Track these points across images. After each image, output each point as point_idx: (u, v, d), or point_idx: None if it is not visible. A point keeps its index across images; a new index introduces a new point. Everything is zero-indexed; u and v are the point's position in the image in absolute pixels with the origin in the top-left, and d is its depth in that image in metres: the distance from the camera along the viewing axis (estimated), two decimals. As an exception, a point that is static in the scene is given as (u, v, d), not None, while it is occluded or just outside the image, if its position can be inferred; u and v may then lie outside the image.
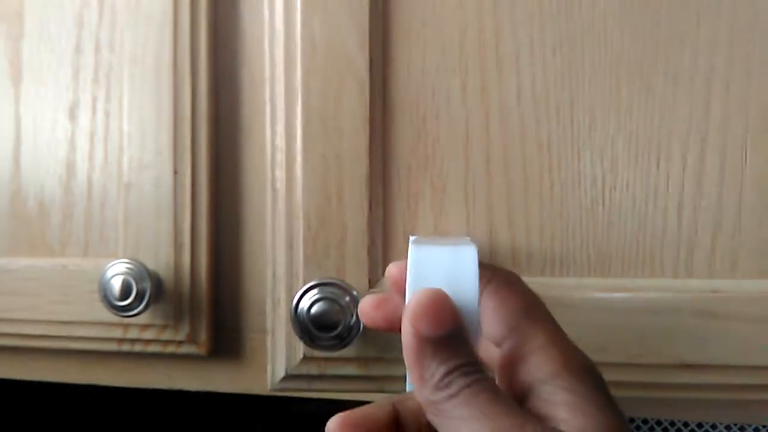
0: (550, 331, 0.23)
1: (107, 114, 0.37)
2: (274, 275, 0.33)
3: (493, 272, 0.24)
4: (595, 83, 0.32)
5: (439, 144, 0.32)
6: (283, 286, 0.33)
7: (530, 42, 0.32)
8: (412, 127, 0.33)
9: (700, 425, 0.67)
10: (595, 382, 0.22)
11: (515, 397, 0.22)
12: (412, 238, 0.26)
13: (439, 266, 0.20)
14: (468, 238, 0.32)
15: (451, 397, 0.21)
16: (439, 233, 0.33)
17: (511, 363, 0.22)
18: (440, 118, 0.32)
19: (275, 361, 0.33)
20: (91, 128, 0.37)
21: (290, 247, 0.32)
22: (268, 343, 0.33)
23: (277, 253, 0.33)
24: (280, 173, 0.32)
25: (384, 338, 0.32)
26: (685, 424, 0.66)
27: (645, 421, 0.68)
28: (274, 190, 0.33)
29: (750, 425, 0.65)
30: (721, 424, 0.64)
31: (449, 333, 0.21)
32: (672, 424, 0.67)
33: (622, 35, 0.31)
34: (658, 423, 0.67)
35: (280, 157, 0.32)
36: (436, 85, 0.32)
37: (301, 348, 0.32)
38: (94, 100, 0.37)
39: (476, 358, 0.21)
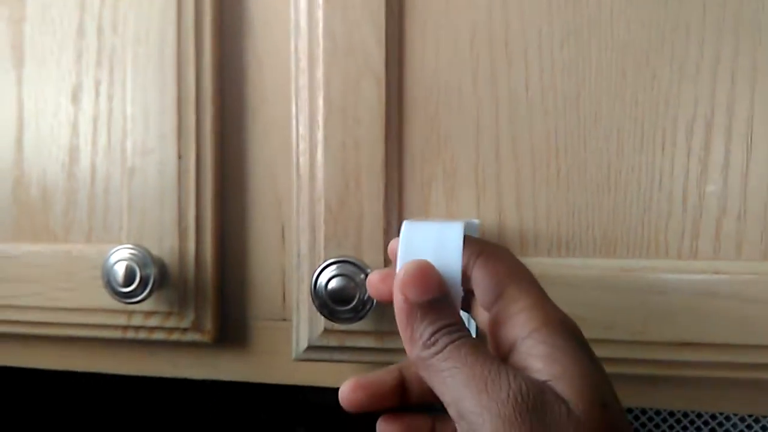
0: (534, 294, 0.25)
1: (110, 97, 0.38)
2: (298, 254, 0.36)
3: (483, 246, 0.26)
4: (601, 73, 0.33)
5: (451, 133, 0.35)
6: (306, 265, 0.35)
7: (539, 35, 0.34)
8: (426, 117, 0.35)
9: (713, 416, 0.66)
10: (571, 336, 0.23)
11: (501, 356, 0.24)
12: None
13: (426, 240, 0.22)
14: (476, 220, 0.34)
15: (438, 353, 0.23)
16: (450, 216, 0.35)
17: (498, 324, 0.24)
18: (452, 108, 0.34)
19: (299, 334, 0.36)
20: (94, 112, 0.38)
21: (312, 228, 0.35)
22: (293, 317, 0.36)
23: (301, 234, 0.35)
24: (303, 160, 0.35)
25: (398, 314, 0.34)
26: (699, 415, 0.66)
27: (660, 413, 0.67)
28: (298, 176, 0.35)
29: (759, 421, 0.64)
30: (735, 415, 0.64)
31: (435, 298, 0.23)
32: (685, 415, 0.66)
33: (628, 26, 0.33)
34: (671, 414, 0.66)
35: (303, 145, 0.35)
36: (449, 78, 0.34)
37: (322, 322, 0.35)
38: (97, 83, 0.38)
39: (459, 319, 0.23)
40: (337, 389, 0.30)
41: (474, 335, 0.31)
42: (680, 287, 0.32)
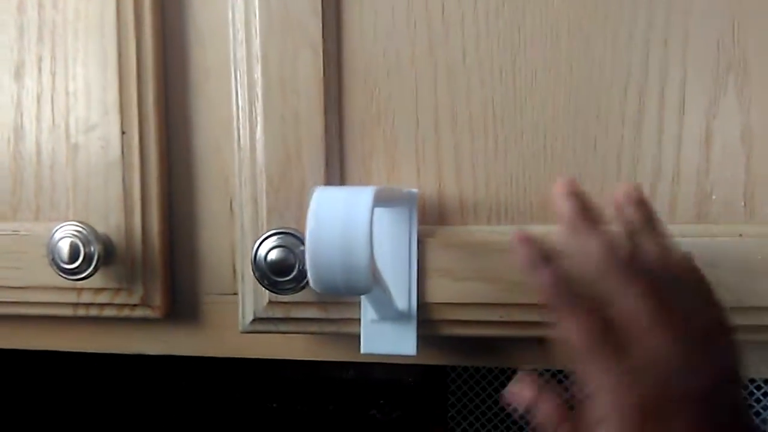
0: None
1: (53, 74, 0.38)
2: (242, 228, 0.36)
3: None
4: (536, 42, 0.33)
5: (391, 103, 0.35)
6: (250, 237, 0.35)
7: (474, 4, 0.34)
8: (365, 87, 0.35)
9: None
10: None
11: None
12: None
13: (336, 207, 0.22)
14: (415, 189, 0.34)
15: None
16: (391, 184, 0.35)
17: None
18: (391, 79, 0.35)
19: (245, 306, 0.36)
20: (38, 89, 0.38)
21: (255, 200, 0.35)
22: (239, 289, 0.36)
23: (244, 207, 0.35)
24: (244, 133, 0.35)
25: (341, 284, 0.35)
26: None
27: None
28: (239, 149, 0.35)
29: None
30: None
31: None
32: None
33: (561, -6, 0.33)
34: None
35: (243, 118, 0.35)
36: (387, 48, 0.34)
37: (266, 294, 0.35)
38: (39, 59, 0.38)
39: None
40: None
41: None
42: (614, 251, 0.32)
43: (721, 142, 0.32)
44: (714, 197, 0.32)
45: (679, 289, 0.27)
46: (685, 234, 0.32)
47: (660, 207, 0.33)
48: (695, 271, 0.29)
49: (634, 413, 0.24)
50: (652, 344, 0.25)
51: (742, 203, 0.32)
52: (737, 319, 0.32)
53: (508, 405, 0.30)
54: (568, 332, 0.26)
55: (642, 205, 0.29)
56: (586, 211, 0.28)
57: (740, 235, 0.31)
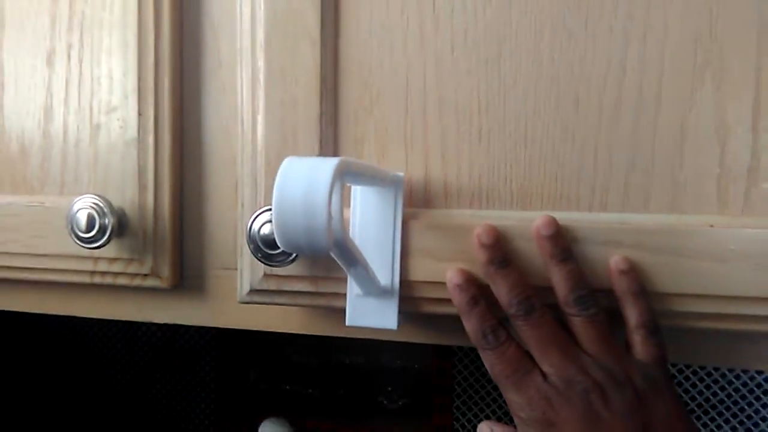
0: None
1: (80, 60, 0.42)
2: (242, 204, 0.38)
3: None
4: (520, 35, 0.35)
5: (383, 92, 0.37)
6: (248, 214, 0.38)
7: (463, -1, 0.35)
8: (359, 76, 0.37)
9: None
10: None
11: None
12: None
13: (300, 172, 0.25)
14: (401, 173, 0.36)
15: None
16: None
17: None
18: (384, 69, 0.37)
19: (243, 277, 0.39)
20: (67, 74, 0.42)
21: (254, 180, 0.38)
22: (237, 263, 0.39)
23: (245, 186, 0.38)
24: (247, 117, 0.38)
25: (330, 260, 0.37)
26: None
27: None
28: (242, 131, 0.38)
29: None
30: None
31: None
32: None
33: (546, -10, 0.34)
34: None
35: (247, 103, 0.38)
36: (381, 40, 0.37)
37: (262, 267, 0.38)
38: (69, 47, 0.42)
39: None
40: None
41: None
42: (589, 237, 0.34)
43: (696, 135, 0.33)
44: (687, 189, 0.33)
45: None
46: (658, 224, 0.33)
47: (634, 197, 0.34)
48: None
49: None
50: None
51: (715, 195, 0.33)
52: (708, 308, 0.33)
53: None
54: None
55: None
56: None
57: (711, 225, 0.32)
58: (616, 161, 0.34)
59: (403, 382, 0.75)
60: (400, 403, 0.76)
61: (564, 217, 0.34)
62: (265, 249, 0.35)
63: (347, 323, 0.36)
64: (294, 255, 0.35)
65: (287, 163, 0.25)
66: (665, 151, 0.34)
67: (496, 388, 0.73)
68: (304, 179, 0.24)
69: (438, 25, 0.36)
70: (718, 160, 0.33)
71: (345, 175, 0.27)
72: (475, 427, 0.74)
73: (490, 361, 0.33)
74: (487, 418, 0.74)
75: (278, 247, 0.35)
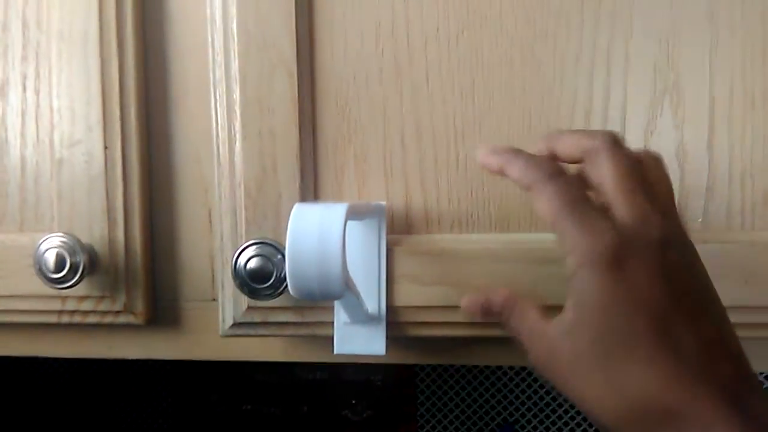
0: None
1: (37, 92, 0.40)
2: (221, 237, 0.38)
3: None
4: (492, 65, 0.36)
5: (360, 122, 0.37)
6: (229, 247, 0.38)
7: (436, 30, 0.37)
8: (337, 107, 0.38)
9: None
10: None
11: None
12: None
13: (312, 221, 0.25)
14: (383, 202, 0.37)
15: None
16: (362, 198, 0.38)
17: None
18: (360, 99, 0.37)
19: (225, 311, 0.38)
20: (22, 106, 0.40)
21: (234, 212, 0.37)
22: (218, 296, 0.38)
23: (224, 218, 0.38)
24: (223, 149, 0.37)
25: (315, 289, 0.37)
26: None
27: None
28: (219, 163, 0.38)
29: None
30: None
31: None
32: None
33: (515, 21, 0.36)
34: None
35: (223, 134, 0.37)
36: (357, 71, 0.37)
37: (245, 300, 0.38)
38: (24, 77, 0.40)
39: None
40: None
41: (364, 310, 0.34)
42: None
43: (658, 158, 0.36)
44: (652, 207, 0.36)
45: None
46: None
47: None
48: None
49: (604, 260, 0.26)
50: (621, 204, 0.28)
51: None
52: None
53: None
54: (545, 199, 0.28)
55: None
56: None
57: (675, 241, 0.35)
58: (587, 184, 0.36)
59: (367, 394, 0.76)
60: (365, 415, 0.77)
61: (541, 238, 0.36)
62: (252, 284, 0.35)
63: (336, 351, 0.37)
64: (281, 288, 0.35)
65: (297, 211, 0.25)
66: (631, 173, 0.36)
67: (459, 394, 0.75)
68: (316, 228, 0.24)
69: (412, 56, 0.37)
70: (679, 180, 0.36)
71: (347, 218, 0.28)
72: (440, 434, 0.76)
73: (546, 197, 0.28)
74: (452, 423, 0.76)
75: (266, 282, 0.35)
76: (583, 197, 0.28)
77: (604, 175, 0.28)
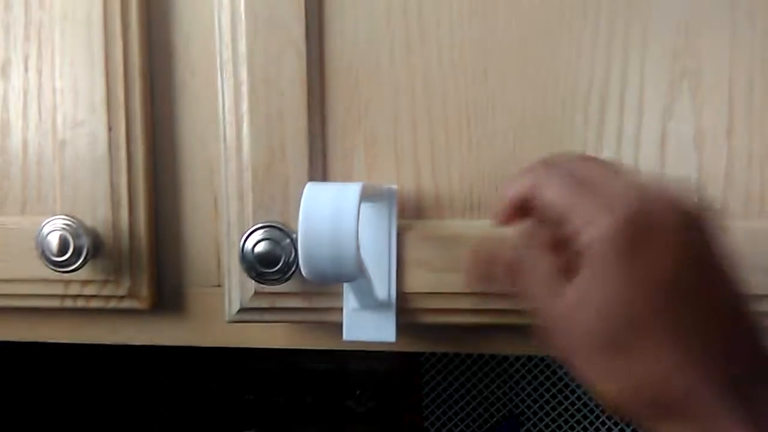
0: None
1: (39, 72, 0.39)
2: (228, 221, 0.37)
3: None
4: (506, 48, 0.36)
5: (371, 103, 0.37)
6: (236, 231, 0.37)
7: (449, 11, 0.36)
8: (347, 88, 0.37)
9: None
10: None
11: None
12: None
13: (325, 202, 0.24)
14: (394, 186, 0.36)
15: None
16: (371, 181, 0.37)
17: None
18: (371, 80, 0.36)
19: (231, 296, 0.38)
20: (24, 86, 0.39)
21: (241, 195, 0.37)
22: (224, 281, 0.38)
23: (230, 201, 0.37)
24: (230, 131, 0.37)
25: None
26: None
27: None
28: (225, 146, 0.37)
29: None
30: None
31: None
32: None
33: (530, 2, 0.35)
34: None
35: (230, 116, 0.36)
36: (367, 51, 0.36)
37: (252, 285, 0.37)
38: (26, 57, 0.39)
39: None
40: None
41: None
42: (578, 243, 0.35)
43: (676, 144, 0.35)
44: (669, 193, 0.35)
45: None
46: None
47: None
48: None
49: (623, 235, 0.25)
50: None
51: (695, 200, 0.35)
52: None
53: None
54: (549, 189, 0.27)
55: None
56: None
57: (692, 228, 0.34)
58: (602, 169, 0.35)
59: (372, 384, 0.76)
60: (369, 405, 0.76)
61: (554, 224, 0.35)
62: (260, 268, 0.34)
63: (345, 338, 0.36)
64: (290, 273, 0.35)
65: (310, 191, 0.24)
66: (647, 159, 0.35)
67: (464, 384, 0.75)
68: (329, 208, 0.24)
69: (424, 37, 0.36)
70: (696, 167, 0.35)
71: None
72: (445, 425, 0.75)
73: (559, 177, 0.28)
74: (457, 414, 0.75)
75: (274, 266, 0.34)
76: (603, 170, 0.28)
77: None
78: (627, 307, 0.25)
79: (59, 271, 0.37)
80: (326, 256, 0.24)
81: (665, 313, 0.25)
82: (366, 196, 0.28)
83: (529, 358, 0.74)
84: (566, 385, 0.74)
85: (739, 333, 0.26)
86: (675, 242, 0.26)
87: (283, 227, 0.35)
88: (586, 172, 0.28)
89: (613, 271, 0.26)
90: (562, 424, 0.74)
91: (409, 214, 0.37)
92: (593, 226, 0.26)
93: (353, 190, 0.24)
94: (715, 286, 0.27)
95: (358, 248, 0.23)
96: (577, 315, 0.26)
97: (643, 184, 0.27)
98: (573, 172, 0.28)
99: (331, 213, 0.23)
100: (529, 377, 0.74)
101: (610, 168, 0.28)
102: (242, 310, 0.38)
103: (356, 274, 0.25)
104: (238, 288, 0.37)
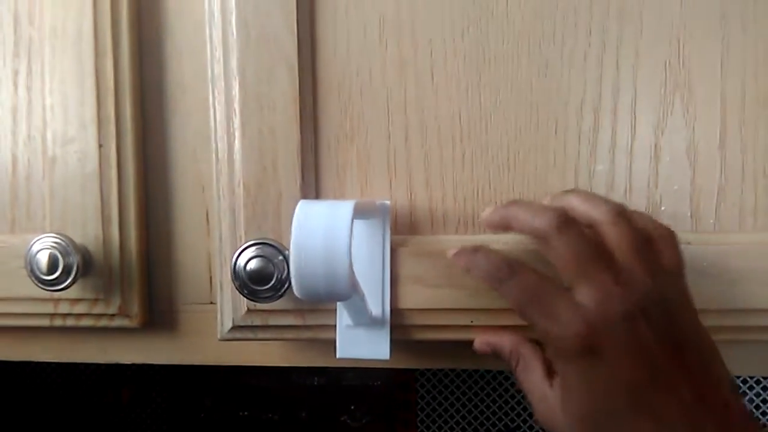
0: None
1: (29, 88, 0.39)
2: (220, 238, 0.37)
3: None
4: (499, 62, 0.36)
5: (363, 118, 0.36)
6: (228, 247, 0.37)
7: (441, 25, 0.36)
8: (339, 103, 0.37)
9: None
10: None
11: None
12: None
13: (318, 219, 0.24)
14: (387, 201, 0.36)
15: None
16: (364, 197, 0.37)
17: None
18: (363, 94, 0.36)
19: (223, 314, 0.37)
20: (13, 103, 0.39)
21: (233, 211, 0.36)
22: (217, 298, 0.37)
23: (222, 218, 0.37)
24: (222, 146, 0.36)
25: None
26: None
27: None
28: (217, 161, 0.37)
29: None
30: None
31: None
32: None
33: (522, 17, 0.35)
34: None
35: (222, 132, 0.36)
36: (360, 66, 0.36)
37: (245, 303, 0.36)
38: (15, 74, 0.39)
39: None
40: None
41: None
42: (573, 258, 0.35)
43: (669, 157, 0.35)
44: (663, 208, 0.35)
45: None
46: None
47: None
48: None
49: (575, 350, 0.28)
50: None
51: (689, 213, 0.35)
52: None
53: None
54: (511, 298, 0.30)
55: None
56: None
57: (688, 243, 0.34)
58: (596, 183, 0.35)
59: (366, 399, 0.75)
60: (364, 421, 0.75)
61: (549, 239, 0.35)
62: (252, 285, 0.34)
63: (338, 355, 0.36)
64: (282, 290, 0.34)
65: (302, 208, 0.24)
66: (641, 172, 0.35)
67: (459, 399, 0.74)
68: (322, 226, 0.23)
69: (417, 51, 0.36)
70: (690, 180, 0.35)
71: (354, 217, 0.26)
72: (440, 440, 0.74)
73: (510, 294, 0.30)
74: (452, 429, 0.74)
75: (267, 283, 0.34)
76: (543, 286, 0.29)
77: (560, 258, 0.29)
78: (598, 410, 0.28)
79: (49, 290, 0.37)
80: (319, 275, 0.23)
81: (632, 406, 0.27)
82: (361, 213, 0.28)
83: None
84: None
85: (712, 394, 0.28)
86: (625, 338, 0.28)
87: (275, 244, 0.35)
88: (542, 284, 0.30)
89: (576, 384, 0.29)
90: (559, 437, 0.74)
91: (403, 229, 0.36)
92: (550, 341, 0.29)
93: (346, 208, 0.24)
94: (679, 359, 0.28)
95: (351, 267, 0.23)
96: (561, 414, 0.30)
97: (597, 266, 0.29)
98: (529, 278, 0.30)
99: (324, 231, 0.23)
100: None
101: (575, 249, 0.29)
102: (235, 327, 0.37)
103: (349, 293, 0.24)
104: (231, 305, 0.37)
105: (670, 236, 0.31)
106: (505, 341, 0.34)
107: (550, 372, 0.32)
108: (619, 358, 0.28)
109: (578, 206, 0.31)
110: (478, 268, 0.31)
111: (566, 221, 0.29)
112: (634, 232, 0.30)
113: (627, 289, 0.28)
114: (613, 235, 0.30)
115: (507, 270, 0.30)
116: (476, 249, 0.32)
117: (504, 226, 0.32)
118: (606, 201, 0.31)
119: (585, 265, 0.28)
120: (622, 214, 0.30)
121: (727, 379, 0.29)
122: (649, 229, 0.31)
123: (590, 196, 0.31)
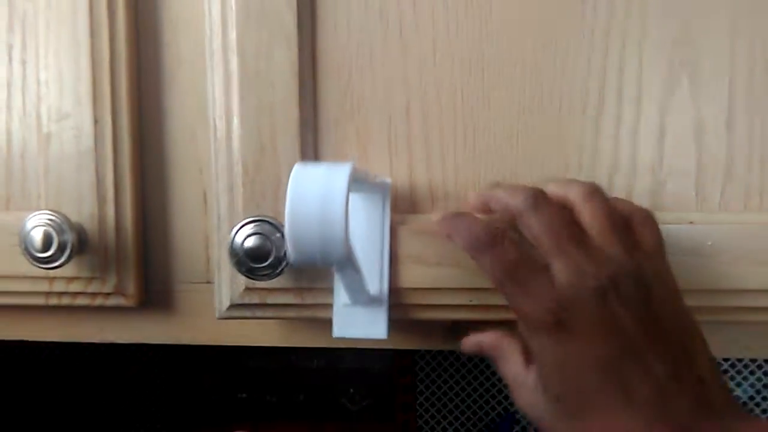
0: None
1: (23, 63, 0.38)
2: (218, 216, 0.36)
3: None
4: (502, 37, 0.35)
5: (364, 95, 0.36)
6: (226, 226, 0.36)
7: (444, 1, 0.35)
8: (339, 80, 0.36)
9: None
10: None
11: None
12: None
13: (314, 181, 0.23)
14: (388, 179, 0.35)
15: None
16: (364, 176, 0.36)
17: None
18: (364, 72, 0.36)
19: (221, 292, 0.37)
20: (8, 78, 0.38)
21: (231, 190, 0.36)
22: (214, 277, 0.37)
23: (220, 197, 0.36)
24: (220, 124, 0.36)
25: (315, 270, 0.36)
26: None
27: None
28: (215, 139, 0.36)
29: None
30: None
31: None
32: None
33: (527, -8, 0.34)
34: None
35: (219, 109, 0.36)
36: (360, 42, 0.36)
37: (243, 281, 0.36)
38: (10, 48, 0.38)
39: None
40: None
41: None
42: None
43: (674, 136, 0.34)
44: (667, 187, 0.35)
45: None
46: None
47: (617, 196, 0.35)
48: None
49: (547, 325, 0.28)
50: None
51: (694, 193, 0.34)
52: (689, 301, 0.34)
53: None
54: (487, 269, 0.30)
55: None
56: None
57: (691, 222, 0.34)
58: (600, 162, 0.35)
59: (366, 382, 0.75)
60: (364, 404, 0.75)
61: (551, 218, 0.34)
62: (250, 263, 0.33)
63: (335, 335, 0.35)
64: (281, 268, 0.34)
65: (298, 171, 0.23)
66: (646, 151, 0.35)
67: (459, 383, 0.74)
68: (318, 189, 0.23)
69: (418, 26, 0.35)
70: (695, 159, 0.34)
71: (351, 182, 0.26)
72: (439, 423, 0.74)
73: (488, 267, 0.30)
74: (451, 413, 0.74)
75: (265, 261, 0.33)
76: (520, 261, 0.29)
77: (534, 236, 0.29)
78: (571, 387, 0.28)
79: (43, 268, 0.36)
80: (314, 237, 0.23)
81: (604, 382, 0.27)
82: (359, 185, 0.28)
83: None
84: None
85: (686, 372, 0.28)
86: (597, 313, 0.27)
87: (273, 221, 0.34)
88: (520, 259, 0.29)
89: (550, 361, 0.29)
90: (558, 421, 0.74)
91: (403, 207, 0.36)
92: (522, 318, 0.29)
93: (343, 170, 0.23)
94: (651, 335, 0.28)
95: (347, 229, 0.23)
96: (539, 396, 0.30)
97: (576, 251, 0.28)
98: (507, 250, 0.29)
99: (320, 193, 0.22)
100: (524, 375, 0.73)
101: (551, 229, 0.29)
102: (232, 306, 0.37)
103: (345, 257, 0.24)
104: (228, 284, 0.36)
105: (648, 217, 0.31)
106: (486, 336, 0.34)
107: (529, 359, 0.31)
108: (590, 333, 0.28)
109: (555, 189, 0.31)
110: (458, 235, 0.31)
111: (541, 199, 0.30)
112: (608, 209, 0.30)
113: (599, 264, 0.28)
114: (588, 212, 0.30)
115: (487, 239, 0.30)
116: (459, 215, 0.32)
117: (485, 209, 0.32)
118: (581, 182, 0.31)
119: (558, 241, 0.29)
120: (595, 192, 0.30)
121: (706, 357, 0.29)
122: (627, 210, 0.31)
123: (567, 180, 0.32)
